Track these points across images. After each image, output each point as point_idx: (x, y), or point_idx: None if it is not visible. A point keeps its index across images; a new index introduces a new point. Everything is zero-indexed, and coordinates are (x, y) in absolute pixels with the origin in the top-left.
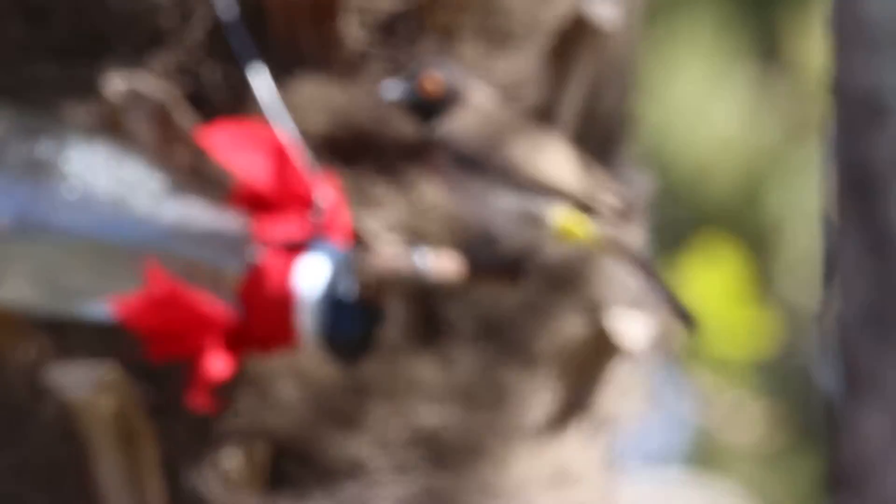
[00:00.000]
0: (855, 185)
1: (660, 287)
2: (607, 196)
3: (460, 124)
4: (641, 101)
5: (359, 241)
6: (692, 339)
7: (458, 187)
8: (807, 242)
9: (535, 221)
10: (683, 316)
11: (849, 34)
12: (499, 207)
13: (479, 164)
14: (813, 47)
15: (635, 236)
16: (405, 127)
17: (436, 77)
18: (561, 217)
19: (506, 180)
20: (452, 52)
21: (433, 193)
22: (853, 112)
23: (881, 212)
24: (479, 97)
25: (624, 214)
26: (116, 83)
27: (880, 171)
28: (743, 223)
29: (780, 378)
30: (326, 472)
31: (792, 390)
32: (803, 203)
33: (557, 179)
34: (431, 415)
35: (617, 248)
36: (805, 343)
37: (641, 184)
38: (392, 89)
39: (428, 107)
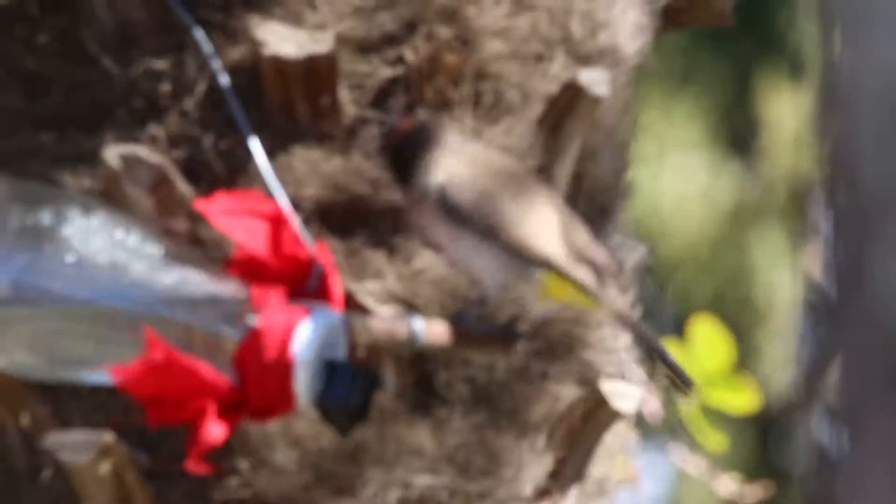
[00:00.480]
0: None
1: (657, 345)
2: (598, 256)
3: (450, 175)
4: (634, 172)
5: (353, 308)
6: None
7: (445, 242)
8: (787, 319)
9: (524, 280)
10: (678, 374)
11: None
12: (486, 262)
13: (467, 218)
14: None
15: (625, 299)
16: (397, 195)
17: (409, 119)
18: (549, 279)
19: (494, 237)
20: (446, 120)
21: (425, 259)
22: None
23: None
24: (457, 142)
25: (614, 275)
26: (114, 152)
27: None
28: (723, 297)
29: (764, 433)
30: None
31: (774, 445)
32: (784, 281)
33: (545, 243)
34: (425, 481)
35: (607, 309)
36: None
37: (633, 254)
38: (372, 142)
39: (404, 149)
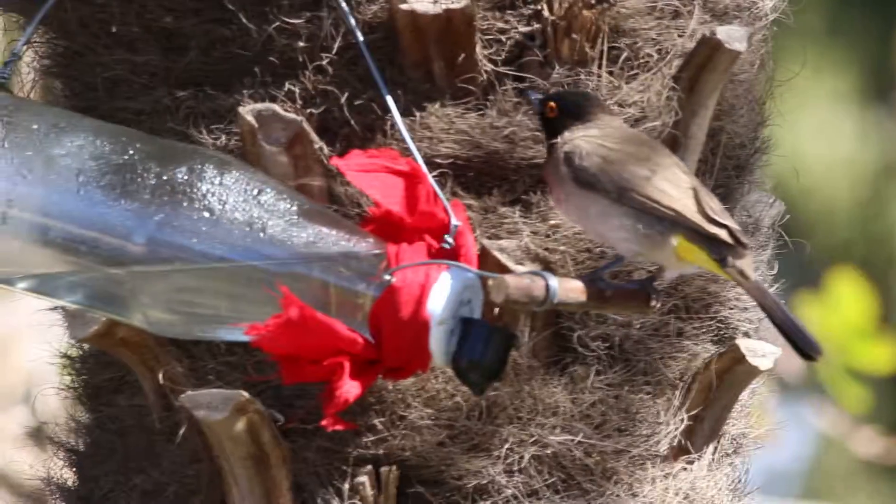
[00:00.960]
0: None
1: (781, 313)
2: (728, 221)
3: (581, 144)
4: (773, 128)
5: (488, 265)
6: (815, 366)
7: (578, 206)
8: None
9: (655, 242)
10: (807, 342)
11: None
12: (618, 227)
13: (594, 181)
14: None
15: (757, 263)
16: (532, 151)
17: (552, 104)
18: (679, 240)
19: (624, 197)
20: (582, 79)
21: (560, 217)
22: None
23: None
24: (601, 120)
25: (742, 241)
26: (250, 109)
27: None
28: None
29: None
30: (456, 495)
31: None
32: None
33: (675, 200)
34: (560, 438)
35: (737, 273)
36: None
37: (770, 210)
38: (529, 98)
39: (549, 125)
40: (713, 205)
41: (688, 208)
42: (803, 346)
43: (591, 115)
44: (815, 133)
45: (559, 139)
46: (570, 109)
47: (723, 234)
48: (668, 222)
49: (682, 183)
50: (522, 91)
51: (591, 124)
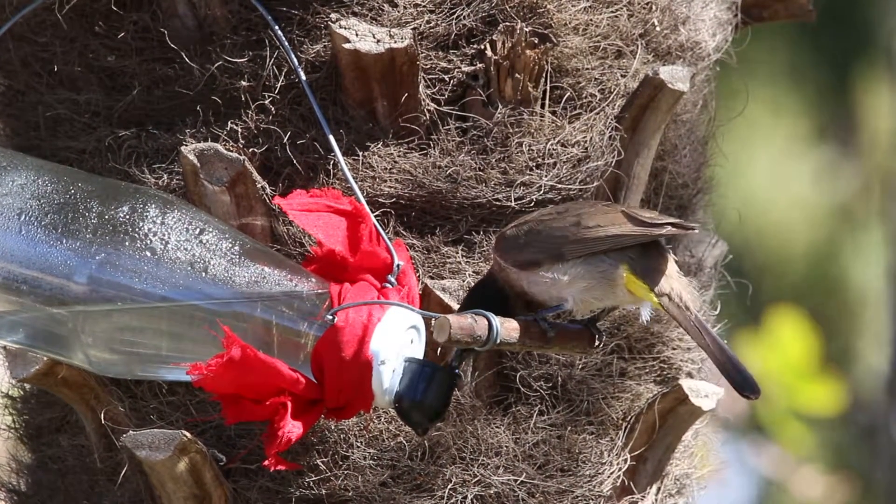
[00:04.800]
0: None
1: (719, 352)
2: (666, 219)
3: (505, 232)
4: (717, 168)
5: (431, 305)
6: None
7: (534, 284)
8: (876, 311)
9: (609, 278)
10: (745, 381)
11: None
12: (574, 279)
13: (536, 256)
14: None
15: (701, 299)
16: (475, 192)
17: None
18: (626, 273)
19: (567, 254)
20: (525, 118)
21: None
22: None
23: None
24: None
25: (688, 226)
26: (193, 148)
27: None
28: (813, 293)
29: (846, 437)
30: None
31: (857, 448)
32: (871, 271)
33: (608, 231)
34: (503, 478)
35: (679, 311)
36: (873, 404)
37: (713, 250)
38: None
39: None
40: (646, 214)
41: (622, 227)
42: (741, 384)
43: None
44: (772, 174)
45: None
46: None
47: (667, 230)
48: (616, 255)
49: (608, 212)
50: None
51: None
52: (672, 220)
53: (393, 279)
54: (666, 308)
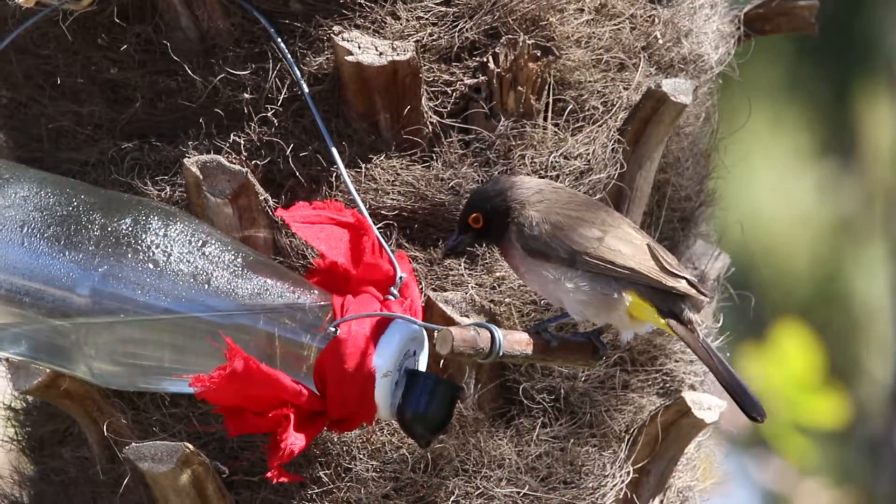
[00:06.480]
0: None
1: (727, 374)
2: (685, 273)
3: (531, 215)
4: (719, 182)
5: (433, 317)
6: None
7: (535, 276)
8: (880, 324)
9: (610, 302)
10: (752, 404)
11: None
12: (574, 290)
13: (549, 252)
14: (884, 138)
15: (706, 317)
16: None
17: (476, 216)
18: (632, 297)
19: (578, 265)
20: (528, 131)
21: (505, 269)
22: None
23: None
24: (528, 190)
25: (702, 291)
26: (195, 160)
27: None
28: (817, 307)
29: (850, 450)
30: None
31: (861, 462)
32: (875, 285)
33: (628, 261)
34: (506, 491)
35: (684, 332)
36: (877, 418)
37: (716, 262)
38: (446, 245)
39: (482, 235)
40: (669, 259)
41: (643, 265)
42: (748, 407)
43: (515, 194)
44: (774, 187)
45: (510, 218)
46: (493, 208)
47: (682, 285)
48: (624, 282)
49: (634, 240)
50: (446, 253)
51: (528, 199)
52: (691, 277)
53: (395, 291)
54: (674, 330)
